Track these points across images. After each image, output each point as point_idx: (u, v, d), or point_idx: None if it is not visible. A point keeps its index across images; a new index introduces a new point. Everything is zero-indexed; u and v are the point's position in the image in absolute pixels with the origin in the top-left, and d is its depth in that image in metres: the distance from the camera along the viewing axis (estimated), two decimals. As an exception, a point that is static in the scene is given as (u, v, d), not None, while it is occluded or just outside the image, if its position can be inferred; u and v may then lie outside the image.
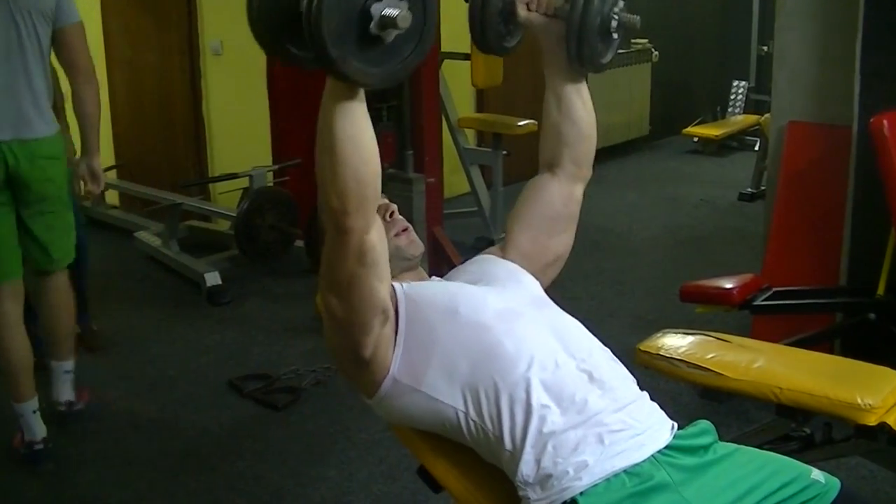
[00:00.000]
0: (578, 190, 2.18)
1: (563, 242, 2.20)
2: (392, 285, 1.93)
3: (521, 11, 2.07)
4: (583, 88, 2.13)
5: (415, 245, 2.12)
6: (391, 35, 1.57)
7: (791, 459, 1.90)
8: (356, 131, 1.67)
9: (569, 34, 1.98)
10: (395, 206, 2.14)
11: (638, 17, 2.01)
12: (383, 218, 2.10)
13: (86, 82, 3.70)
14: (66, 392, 3.84)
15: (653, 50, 8.80)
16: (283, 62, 1.73)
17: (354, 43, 1.56)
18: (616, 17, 1.99)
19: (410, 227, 2.13)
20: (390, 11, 1.55)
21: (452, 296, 1.97)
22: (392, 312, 1.89)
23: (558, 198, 2.16)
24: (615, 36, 2.03)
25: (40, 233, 3.57)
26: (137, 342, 4.74)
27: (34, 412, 3.61)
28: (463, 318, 1.90)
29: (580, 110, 2.13)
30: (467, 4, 2.06)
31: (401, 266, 2.10)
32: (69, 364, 3.82)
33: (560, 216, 2.17)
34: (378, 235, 1.78)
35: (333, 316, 1.86)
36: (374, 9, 1.55)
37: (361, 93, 1.66)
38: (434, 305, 1.93)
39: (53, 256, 3.64)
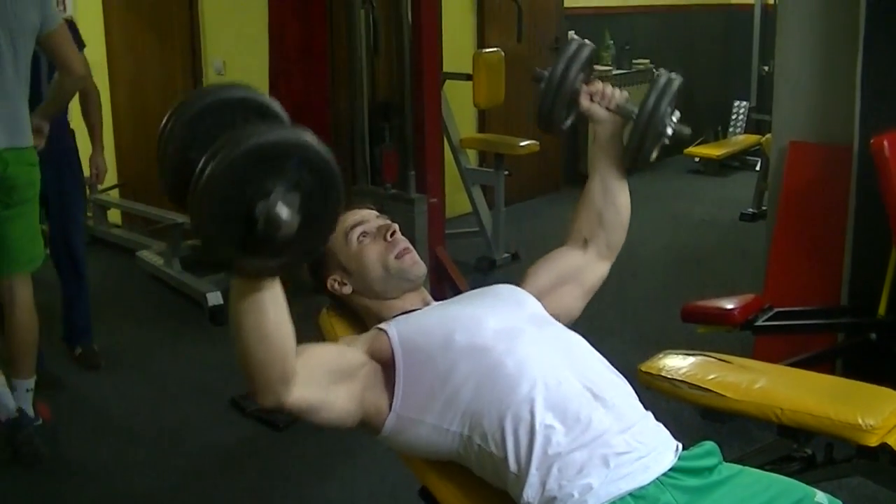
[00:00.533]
0: (605, 269, 2.27)
1: (573, 305, 2.23)
2: (384, 331, 1.95)
3: (584, 102, 2.17)
4: (625, 181, 2.22)
5: (417, 266, 2.13)
6: (279, 235, 1.48)
7: (795, 481, 1.89)
8: (260, 323, 1.65)
9: (633, 134, 2.08)
10: (395, 226, 2.15)
11: (688, 129, 2.14)
12: (384, 238, 2.11)
13: (81, 78, 3.93)
14: (27, 410, 3.79)
15: (654, 70, 8.82)
16: None
17: (242, 240, 1.49)
18: (672, 125, 2.09)
19: (411, 248, 2.14)
20: (275, 212, 1.45)
21: (447, 323, 1.97)
22: (382, 358, 1.93)
23: (583, 269, 2.24)
24: (666, 141, 2.12)
25: (18, 233, 3.70)
26: (139, 360, 4.74)
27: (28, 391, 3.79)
28: (460, 344, 1.90)
29: (623, 199, 2.22)
30: (540, 87, 2.15)
31: (403, 287, 2.11)
32: (31, 382, 3.81)
33: (581, 284, 2.22)
34: (304, 388, 1.78)
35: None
36: (259, 209, 1.46)
37: (268, 280, 1.62)
38: (430, 336, 1.93)
39: (26, 257, 3.75)
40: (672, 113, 2.09)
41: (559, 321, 2.13)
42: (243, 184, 1.45)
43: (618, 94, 2.17)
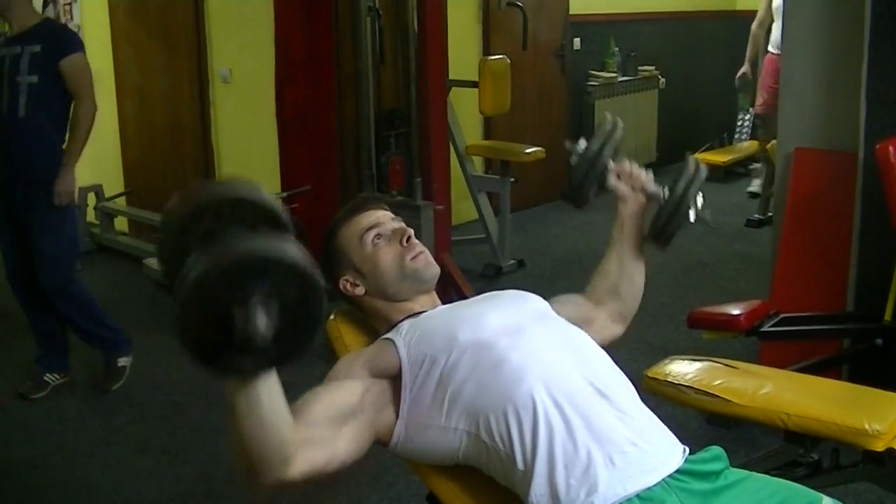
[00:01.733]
0: (618, 331, 2.29)
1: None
2: (391, 341, 1.96)
3: (612, 180, 2.24)
4: (643, 258, 2.29)
5: (431, 267, 2.15)
6: (259, 342, 1.50)
7: (802, 486, 1.89)
8: (255, 413, 1.65)
9: (660, 214, 2.17)
10: (411, 231, 2.17)
11: (711, 216, 2.20)
12: (399, 242, 2.12)
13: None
14: None
15: (660, 77, 8.84)
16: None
17: (223, 343, 1.52)
18: (697, 211, 2.18)
19: (426, 251, 2.16)
20: (252, 323, 1.49)
21: (449, 323, 1.98)
22: (389, 376, 1.94)
23: (593, 322, 2.24)
24: (687, 226, 2.20)
25: None
26: (146, 368, 4.75)
27: None
28: (463, 342, 1.90)
29: (639, 276, 2.30)
30: (573, 161, 2.24)
31: (416, 289, 2.12)
32: None
33: (589, 331, 2.17)
34: (307, 451, 1.78)
35: None
36: (237, 320, 1.49)
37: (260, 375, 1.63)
38: (433, 338, 1.94)
39: None
40: (697, 198, 2.18)
41: None
42: (225, 289, 1.49)
43: (644, 176, 2.24)
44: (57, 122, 4.21)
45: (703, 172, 2.19)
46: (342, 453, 1.86)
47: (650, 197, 2.23)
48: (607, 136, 2.24)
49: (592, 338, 2.12)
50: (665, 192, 2.18)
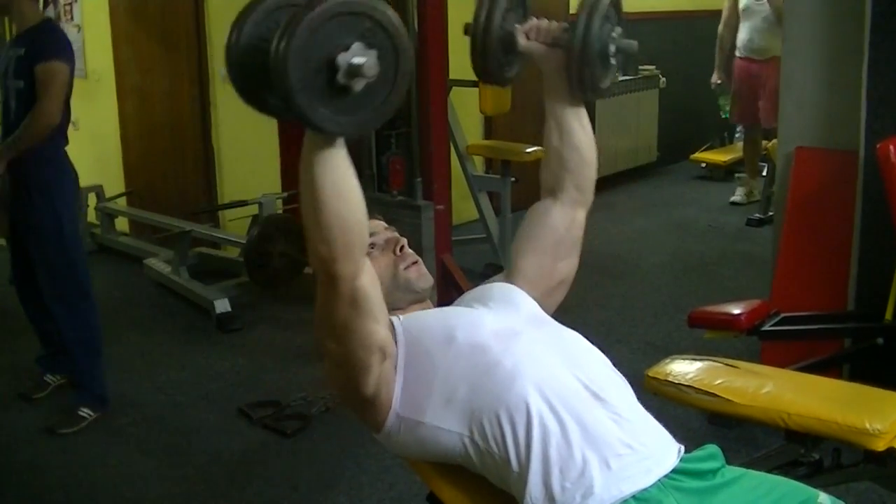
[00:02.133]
0: (581, 214, 2.20)
1: (567, 266, 2.20)
2: (391, 320, 1.94)
3: (521, 41, 2.10)
4: (582, 114, 2.15)
5: (424, 278, 2.13)
6: (360, 84, 1.58)
7: (799, 483, 1.90)
8: (337, 179, 1.68)
9: (569, 61, 2.01)
10: (404, 241, 2.15)
11: (635, 42, 2.03)
12: (393, 252, 2.11)
13: None
14: None
15: (660, 76, 8.83)
16: (261, 110, 1.75)
17: (323, 92, 1.57)
18: (614, 43, 2.02)
19: (420, 261, 2.14)
20: (358, 60, 1.56)
21: (449, 321, 1.98)
22: (392, 349, 1.90)
23: (561, 223, 2.17)
24: (613, 62, 2.06)
25: None
26: (147, 369, 4.75)
27: None
28: (460, 343, 1.90)
29: (581, 136, 2.15)
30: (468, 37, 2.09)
31: (409, 299, 2.11)
32: None
33: (563, 241, 2.18)
34: (370, 279, 1.79)
35: (332, 358, 1.89)
36: (341, 59, 1.56)
37: (341, 141, 1.67)
38: (432, 334, 1.94)
39: None
40: (612, 29, 2.03)
41: (560, 289, 2.17)
42: (325, 37, 1.55)
43: (554, 26, 2.09)
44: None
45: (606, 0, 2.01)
46: (376, 329, 1.83)
47: (563, 44, 2.04)
48: None
49: (564, 241, 2.13)
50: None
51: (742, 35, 7.53)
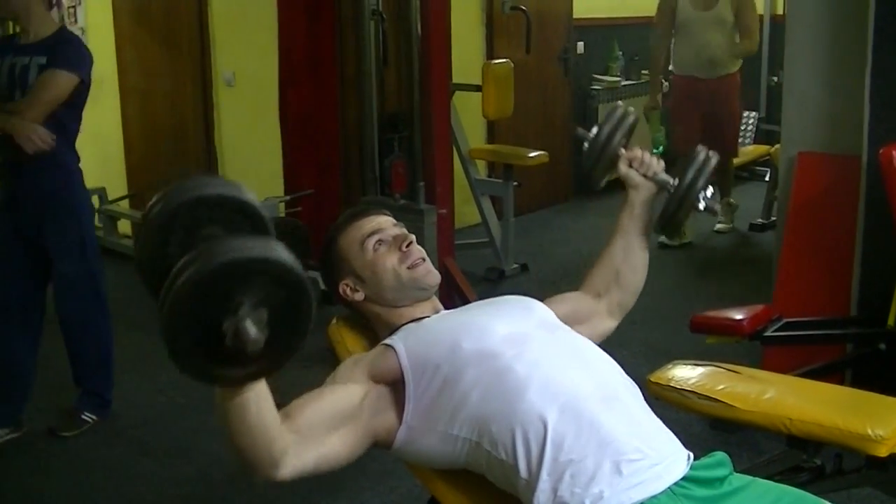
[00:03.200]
0: (613, 325, 2.32)
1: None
2: (391, 346, 1.96)
3: (623, 167, 2.26)
4: (647, 242, 2.29)
5: (431, 275, 2.14)
6: (249, 349, 1.48)
7: (806, 493, 1.89)
8: (244, 423, 1.67)
9: (669, 203, 2.20)
10: (412, 237, 2.15)
11: (719, 206, 2.29)
12: (399, 248, 2.11)
13: None
14: None
15: (663, 80, 8.82)
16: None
17: (212, 352, 1.50)
18: (705, 200, 2.19)
19: (427, 258, 2.15)
20: (242, 329, 1.45)
21: (454, 330, 1.98)
22: (373, 390, 1.94)
23: (591, 317, 2.27)
24: (696, 215, 2.24)
25: None
26: (148, 370, 4.75)
27: None
28: (467, 350, 1.90)
29: (642, 262, 2.29)
30: (585, 148, 2.28)
31: (415, 297, 2.11)
32: None
33: (582, 330, 2.19)
34: (299, 452, 1.80)
35: None
36: (227, 325, 1.46)
37: (249, 386, 1.64)
38: (436, 346, 1.94)
39: None
40: (706, 188, 2.18)
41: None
42: (212, 300, 1.46)
43: (655, 163, 2.25)
44: (67, 138, 3.92)
45: (713, 161, 2.19)
46: (334, 456, 1.86)
47: (660, 185, 2.24)
48: (618, 122, 2.25)
49: (586, 333, 2.13)
50: (674, 181, 2.20)
51: (683, 50, 6.71)
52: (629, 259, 2.26)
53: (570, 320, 2.16)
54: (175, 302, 1.46)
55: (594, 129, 2.27)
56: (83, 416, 4.12)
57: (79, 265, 4.08)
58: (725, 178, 6.96)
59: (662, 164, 2.26)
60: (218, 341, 1.47)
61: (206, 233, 1.57)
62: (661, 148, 6.55)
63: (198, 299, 1.46)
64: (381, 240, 2.13)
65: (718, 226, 7.09)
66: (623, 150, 2.26)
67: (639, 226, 2.26)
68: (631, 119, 2.27)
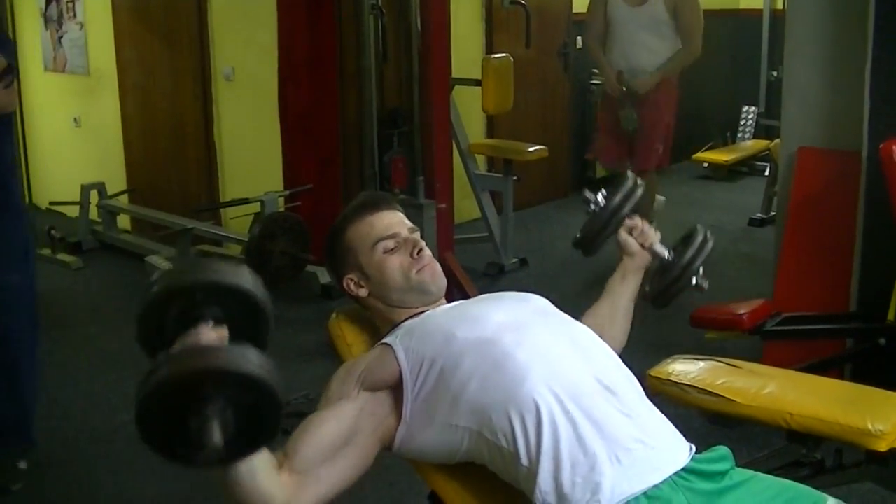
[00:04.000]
0: None
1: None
2: (389, 346, 1.97)
3: (622, 233, 2.28)
4: (632, 312, 2.31)
5: (438, 279, 2.15)
6: (214, 447, 1.52)
7: (807, 487, 1.89)
8: (239, 488, 1.73)
9: (665, 278, 2.26)
10: (423, 244, 2.15)
11: (707, 285, 2.29)
12: (410, 255, 2.11)
13: None
14: None
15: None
16: None
17: (188, 440, 1.54)
18: (697, 279, 2.27)
19: (436, 263, 2.15)
20: (206, 433, 1.50)
21: (447, 322, 1.99)
22: (378, 434, 1.98)
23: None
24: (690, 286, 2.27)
25: None
26: (148, 366, 4.74)
27: None
28: (462, 340, 1.90)
29: (627, 326, 2.31)
30: (590, 214, 2.30)
31: (421, 300, 2.11)
32: None
33: None
34: (303, 492, 1.85)
35: None
36: (192, 425, 1.52)
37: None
38: (432, 339, 1.94)
39: None
40: (701, 266, 2.26)
41: None
42: (179, 400, 1.53)
43: (653, 234, 2.29)
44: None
45: (710, 244, 2.29)
46: (340, 483, 1.92)
47: (655, 256, 2.29)
48: (627, 195, 2.27)
49: None
50: (671, 256, 2.27)
51: (611, 51, 5.76)
52: (615, 319, 2.28)
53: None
54: (146, 395, 1.53)
55: (600, 197, 2.28)
56: (20, 466, 3.66)
57: (25, 278, 3.65)
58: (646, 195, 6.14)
59: (659, 234, 2.31)
60: (186, 430, 1.53)
61: (203, 313, 1.65)
62: (632, 127, 5.72)
63: (167, 395, 1.54)
64: (395, 244, 2.13)
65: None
66: (626, 220, 2.28)
67: (628, 292, 2.30)
68: (640, 192, 2.30)
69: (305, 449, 1.88)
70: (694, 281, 2.24)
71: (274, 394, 1.59)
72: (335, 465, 1.90)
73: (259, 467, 1.73)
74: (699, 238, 2.27)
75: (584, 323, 2.21)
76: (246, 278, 1.70)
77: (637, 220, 2.29)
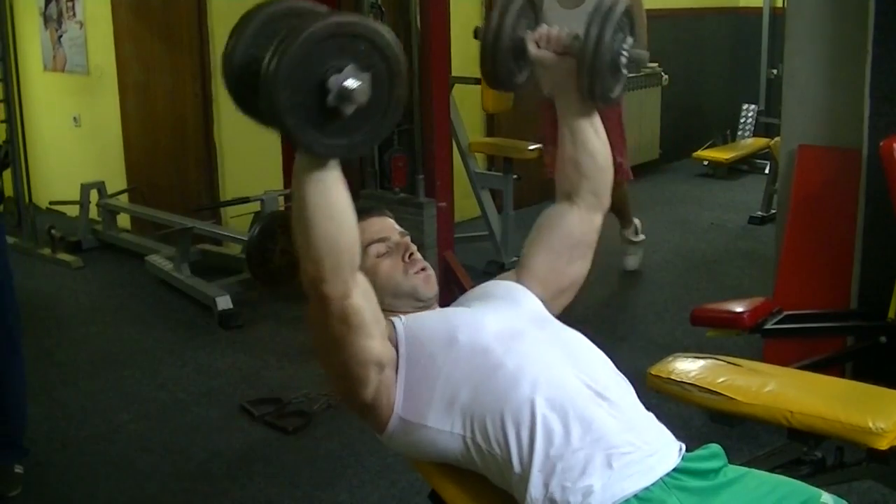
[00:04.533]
0: (598, 219, 2.21)
1: (579, 268, 2.21)
2: (392, 321, 1.95)
3: (532, 49, 2.09)
4: (596, 121, 2.14)
5: (431, 286, 2.12)
6: (350, 108, 1.55)
7: (801, 483, 1.90)
8: (328, 201, 1.67)
9: (580, 71, 2.00)
10: (414, 248, 2.14)
11: (647, 53, 2.05)
12: (402, 259, 2.10)
13: None
14: None
15: (662, 74, 8.82)
16: (260, 122, 1.68)
17: (312, 114, 1.54)
18: (625, 52, 2.01)
19: (429, 267, 2.13)
20: (350, 84, 1.53)
21: (451, 323, 1.98)
22: (391, 357, 1.91)
23: (578, 226, 2.18)
24: (624, 71, 2.05)
25: None
26: (148, 365, 4.75)
27: None
28: (462, 345, 1.90)
29: (595, 142, 2.15)
30: (478, 41, 2.08)
31: (413, 306, 2.10)
32: None
33: (579, 244, 2.19)
34: (361, 296, 1.79)
35: (328, 370, 1.91)
36: (333, 81, 1.53)
37: (333, 162, 1.66)
38: (434, 336, 1.94)
39: None
40: (624, 39, 2.01)
41: (570, 291, 2.18)
42: (318, 58, 1.53)
43: (564, 34, 2.07)
44: None
45: (622, 4, 2.00)
46: (373, 337, 1.84)
47: (573, 51, 2.03)
48: (506, 4, 2.07)
49: (581, 243, 2.13)
50: (581, 38, 1.99)
51: None
52: (579, 143, 2.14)
53: (557, 256, 2.16)
54: (283, 58, 1.50)
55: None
56: (17, 470, 3.60)
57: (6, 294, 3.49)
58: (620, 206, 5.83)
59: (575, 33, 2.04)
60: (320, 102, 1.54)
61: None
62: None
63: (306, 56, 1.52)
64: (386, 248, 2.12)
65: (629, 262, 6.06)
66: (528, 32, 2.08)
67: (575, 107, 2.11)
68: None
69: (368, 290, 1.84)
70: (623, 56, 1.98)
71: (402, 63, 1.63)
72: (377, 323, 1.86)
73: (348, 200, 1.70)
74: (605, 2, 1.98)
75: (559, 166, 2.18)
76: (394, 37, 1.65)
77: (541, 29, 2.08)
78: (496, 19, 2.06)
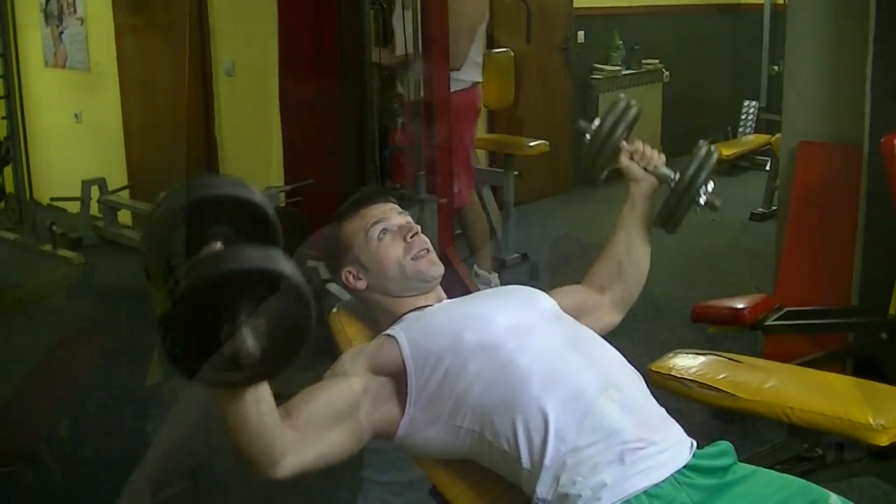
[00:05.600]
0: (617, 319, 2.31)
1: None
2: (393, 337, 1.95)
3: (624, 159, 2.27)
4: (649, 237, 2.29)
5: (435, 267, 2.13)
6: (244, 358, 1.49)
7: (810, 483, 1.88)
8: (242, 423, 1.68)
9: (670, 198, 2.21)
10: (417, 228, 2.15)
11: (719, 202, 2.21)
12: (404, 239, 2.10)
13: None
14: None
15: (664, 70, 8.82)
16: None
17: (214, 359, 1.50)
18: (706, 195, 2.20)
19: (431, 248, 2.14)
20: (240, 339, 1.46)
21: (456, 321, 1.97)
22: (374, 392, 1.93)
23: (599, 324, 2.24)
24: (696, 210, 2.22)
25: None
26: (148, 362, 4.74)
27: None
28: (469, 342, 1.89)
29: (644, 257, 2.30)
30: (586, 140, 2.28)
31: (419, 288, 2.10)
32: None
33: (596, 327, 2.18)
34: (298, 451, 1.80)
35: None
36: (224, 333, 1.48)
37: (248, 389, 1.64)
38: (439, 337, 1.93)
39: None
40: (707, 183, 2.19)
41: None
42: (211, 307, 1.47)
43: (656, 157, 2.25)
44: None
45: (714, 157, 2.21)
46: (333, 452, 1.87)
47: (661, 179, 2.25)
48: (620, 115, 2.25)
49: (590, 327, 2.12)
50: (676, 175, 2.21)
51: (472, 52, 5.31)
52: (631, 253, 2.27)
53: (575, 313, 2.15)
54: (178, 309, 1.48)
55: (596, 122, 2.27)
56: None
57: None
58: (469, 233, 5.65)
59: (663, 157, 2.27)
60: (214, 346, 1.48)
61: (211, 232, 1.56)
62: None
63: (197, 305, 1.47)
64: (386, 229, 2.12)
65: None
66: (624, 143, 2.26)
67: (640, 219, 2.26)
68: (633, 112, 2.27)
69: (309, 410, 1.85)
70: (703, 198, 2.19)
71: (307, 298, 1.53)
72: (333, 431, 1.86)
73: (267, 412, 1.69)
74: (703, 151, 2.23)
75: (603, 260, 2.29)
76: (253, 191, 1.60)
77: (637, 144, 2.27)
78: (610, 125, 2.25)
